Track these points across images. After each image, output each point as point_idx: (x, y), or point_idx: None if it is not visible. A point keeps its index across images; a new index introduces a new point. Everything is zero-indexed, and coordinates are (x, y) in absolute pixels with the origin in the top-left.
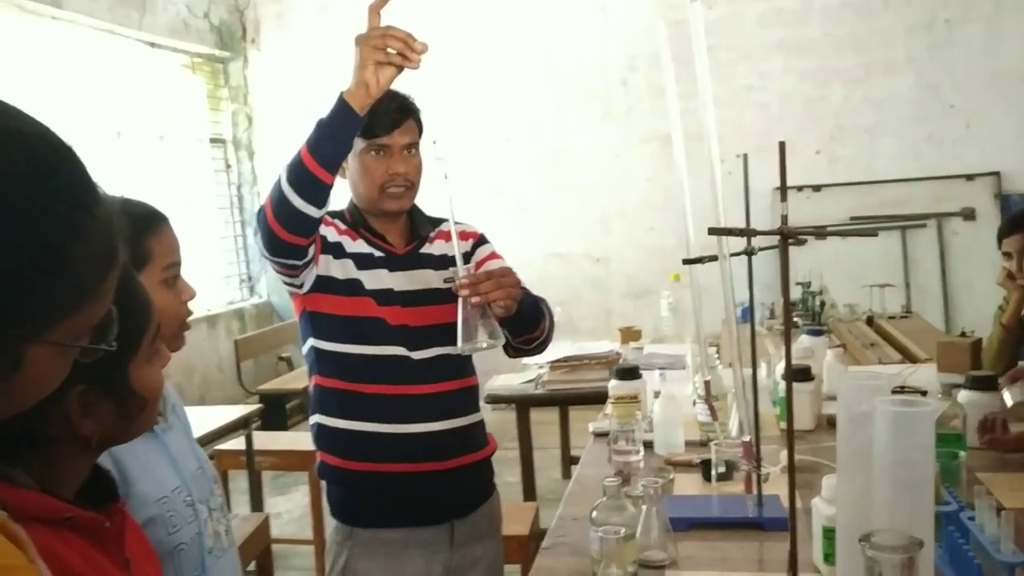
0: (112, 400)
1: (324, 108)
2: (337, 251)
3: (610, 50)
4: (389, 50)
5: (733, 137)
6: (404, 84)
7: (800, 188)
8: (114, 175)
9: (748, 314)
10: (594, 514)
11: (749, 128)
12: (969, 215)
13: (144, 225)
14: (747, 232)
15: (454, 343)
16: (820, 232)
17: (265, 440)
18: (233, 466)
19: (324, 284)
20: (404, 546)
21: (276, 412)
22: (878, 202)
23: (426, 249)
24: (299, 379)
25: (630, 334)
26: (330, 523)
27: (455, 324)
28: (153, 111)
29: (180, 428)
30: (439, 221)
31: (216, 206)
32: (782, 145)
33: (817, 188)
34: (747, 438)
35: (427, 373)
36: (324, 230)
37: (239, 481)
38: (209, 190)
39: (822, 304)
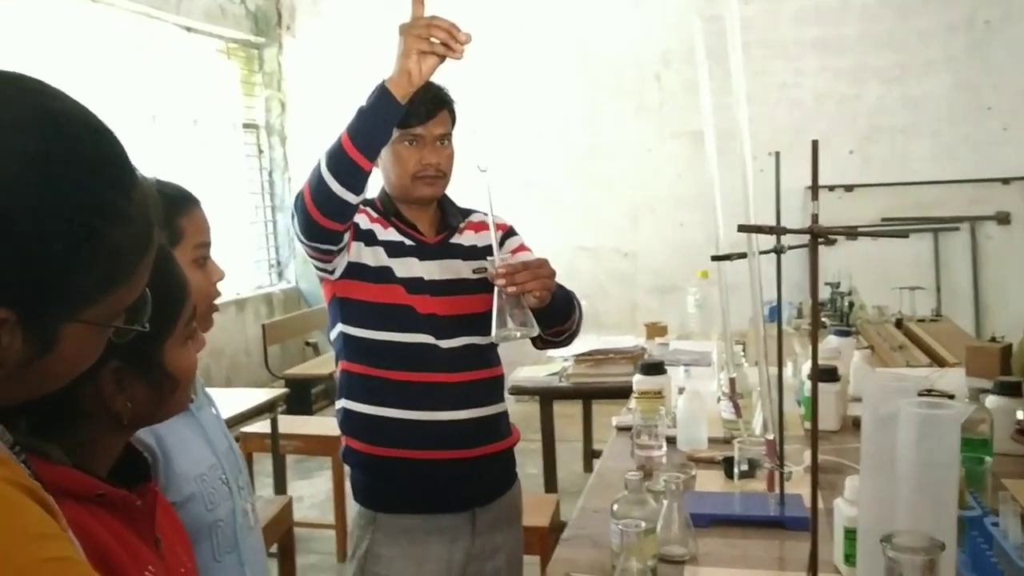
0: (145, 379)
1: (357, 95)
2: (369, 238)
3: (644, 45)
4: (433, 40)
5: (766, 134)
6: (438, 74)
7: (832, 188)
8: (148, 158)
9: (776, 313)
10: (615, 507)
11: (782, 126)
12: (1004, 219)
13: (176, 205)
14: (777, 230)
15: (482, 333)
16: (851, 232)
17: (290, 424)
18: (258, 449)
19: (355, 271)
20: (426, 532)
21: (301, 397)
22: (911, 204)
23: (456, 239)
24: (325, 365)
25: (655, 330)
26: (352, 507)
27: (483, 314)
28: (188, 95)
29: (210, 408)
30: (469, 212)
31: (247, 191)
32: (815, 144)
33: (849, 188)
34: (771, 436)
35: (454, 362)
36: (356, 217)
37: (263, 463)
38: (241, 175)
39: (851, 305)
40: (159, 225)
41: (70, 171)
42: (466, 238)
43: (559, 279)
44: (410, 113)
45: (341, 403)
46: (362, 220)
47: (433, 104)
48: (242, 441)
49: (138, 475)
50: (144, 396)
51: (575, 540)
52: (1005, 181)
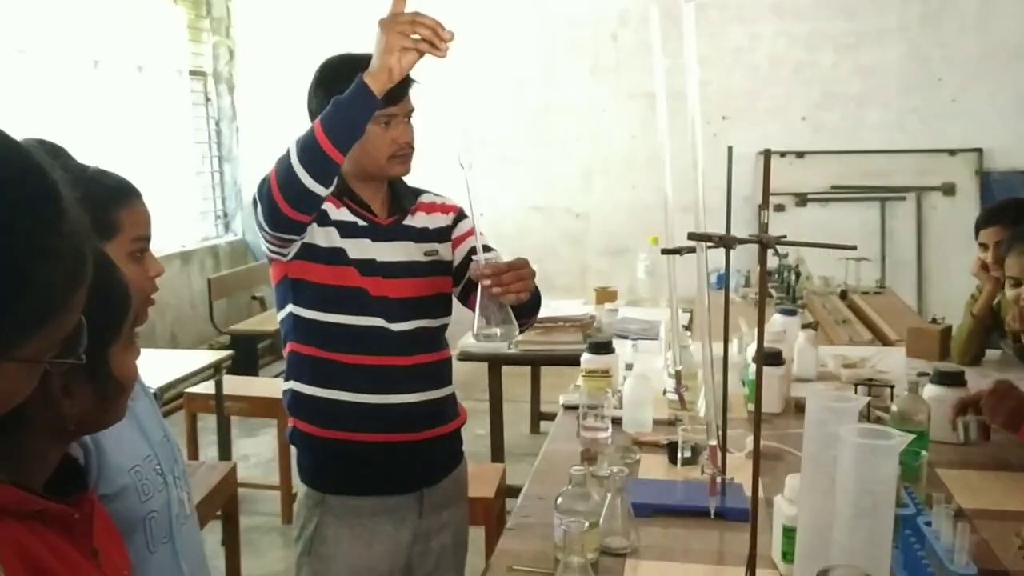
0: (91, 384)
1: (307, 43)
2: (321, 218)
3: (602, 3)
4: (415, 36)
5: (720, 98)
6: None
7: (783, 154)
8: (90, 106)
9: (723, 280)
10: (559, 501)
11: (737, 90)
12: (949, 190)
13: (114, 198)
14: (726, 239)
15: (432, 316)
16: (797, 243)
17: (235, 385)
18: (202, 409)
19: (307, 252)
20: (374, 513)
21: (247, 353)
22: (860, 172)
23: (408, 221)
24: (271, 320)
25: (605, 295)
26: (299, 487)
27: (434, 297)
28: (132, 41)
29: (145, 398)
30: (419, 192)
31: (194, 140)
32: (767, 154)
33: (800, 155)
34: (714, 442)
35: (405, 345)
36: None
37: (208, 422)
38: (187, 124)
39: (797, 276)
40: (92, 255)
41: None
42: (418, 220)
43: (511, 238)
44: (391, 91)
45: (289, 384)
46: None
47: (404, 83)
48: (186, 402)
49: (73, 482)
50: (90, 402)
51: (519, 530)
52: (952, 152)
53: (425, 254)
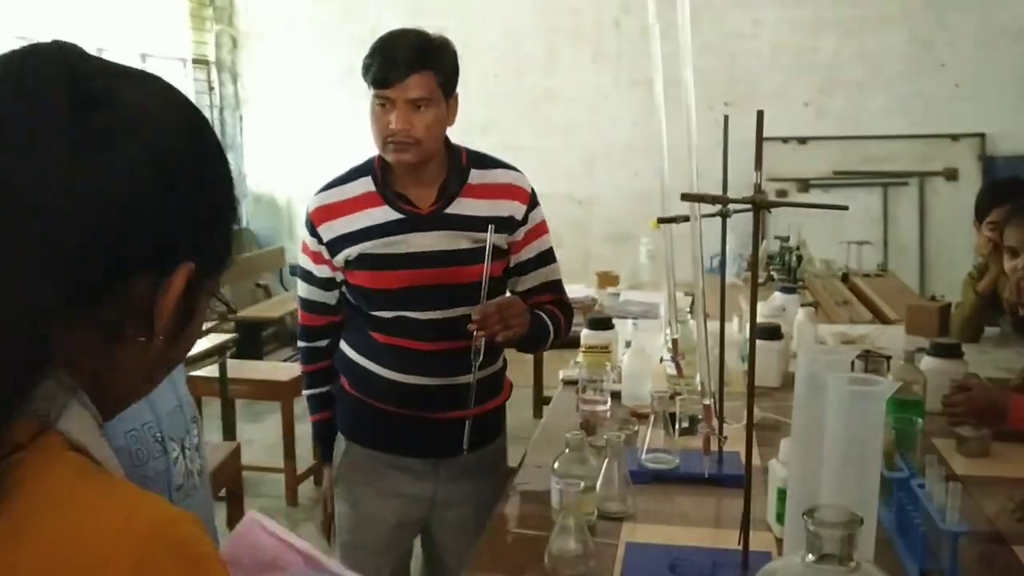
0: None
1: (311, 32)
2: (368, 234)
3: None
4: None
5: (722, 84)
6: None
7: (786, 140)
8: None
9: (721, 266)
10: (556, 465)
11: (739, 75)
12: (951, 175)
13: None
14: (720, 199)
15: (465, 304)
16: (791, 204)
17: (239, 368)
18: (206, 393)
19: (354, 262)
20: (389, 467)
21: (251, 340)
22: (863, 157)
23: (453, 208)
24: (276, 307)
25: (608, 279)
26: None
27: (470, 284)
28: (135, 29)
29: None
30: (481, 163)
31: None
32: (760, 114)
33: (803, 140)
34: (708, 402)
35: (429, 332)
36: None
37: (213, 407)
38: None
39: (799, 259)
40: None
41: (220, 159)
42: (464, 206)
43: None
44: (381, 74)
45: (341, 342)
46: (355, 216)
47: (409, 66)
48: (190, 384)
49: None
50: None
51: (518, 496)
52: (954, 138)
53: (475, 242)
